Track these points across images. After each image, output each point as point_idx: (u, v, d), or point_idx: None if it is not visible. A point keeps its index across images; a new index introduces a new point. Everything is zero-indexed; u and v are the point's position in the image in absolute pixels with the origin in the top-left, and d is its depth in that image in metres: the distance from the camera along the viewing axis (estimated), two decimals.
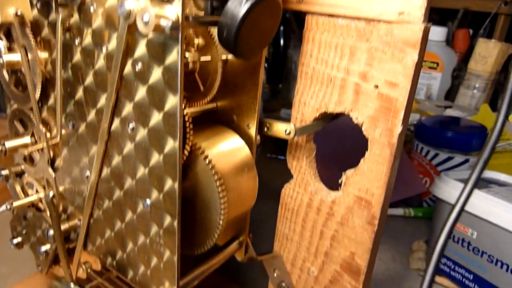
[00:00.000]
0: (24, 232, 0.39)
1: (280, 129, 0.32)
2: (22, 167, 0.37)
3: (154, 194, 0.27)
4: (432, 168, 0.70)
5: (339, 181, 0.33)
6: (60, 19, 0.28)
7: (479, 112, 0.85)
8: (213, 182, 0.27)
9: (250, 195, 0.31)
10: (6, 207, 0.35)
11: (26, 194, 0.37)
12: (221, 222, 0.27)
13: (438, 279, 0.53)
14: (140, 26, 0.21)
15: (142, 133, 0.26)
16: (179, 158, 0.24)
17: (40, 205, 0.37)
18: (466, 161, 0.66)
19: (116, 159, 0.28)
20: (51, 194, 0.31)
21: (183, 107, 0.23)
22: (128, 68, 0.25)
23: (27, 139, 0.33)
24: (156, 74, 0.24)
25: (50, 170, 0.31)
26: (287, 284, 0.38)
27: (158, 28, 0.21)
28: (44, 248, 0.36)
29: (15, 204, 0.35)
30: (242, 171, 0.29)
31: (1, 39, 0.31)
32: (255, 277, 0.51)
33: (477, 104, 0.95)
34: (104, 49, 0.26)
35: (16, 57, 0.31)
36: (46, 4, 0.29)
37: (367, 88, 0.30)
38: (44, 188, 0.36)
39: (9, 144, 0.33)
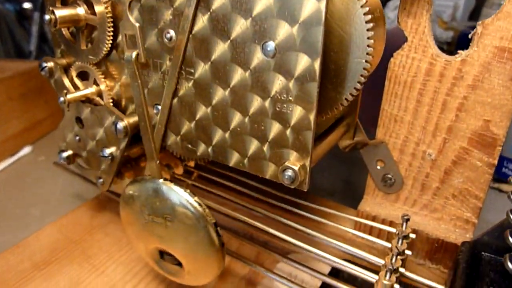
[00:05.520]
0: (77, 138, 0.32)
1: None
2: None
3: (282, 32, 0.20)
4: None
5: (469, 36, 0.28)
6: None
7: None
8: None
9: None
10: (60, 99, 0.28)
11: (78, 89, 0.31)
12: (368, 66, 0.21)
13: None
14: None
15: None
16: None
17: (98, 100, 0.30)
18: None
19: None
20: (134, 54, 0.24)
21: None
22: None
23: None
24: None
25: (133, 20, 0.24)
26: (394, 175, 0.33)
27: None
28: (108, 151, 0.30)
29: (70, 96, 0.29)
30: None
31: None
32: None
33: None
34: None
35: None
36: None
37: None
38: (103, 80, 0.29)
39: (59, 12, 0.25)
